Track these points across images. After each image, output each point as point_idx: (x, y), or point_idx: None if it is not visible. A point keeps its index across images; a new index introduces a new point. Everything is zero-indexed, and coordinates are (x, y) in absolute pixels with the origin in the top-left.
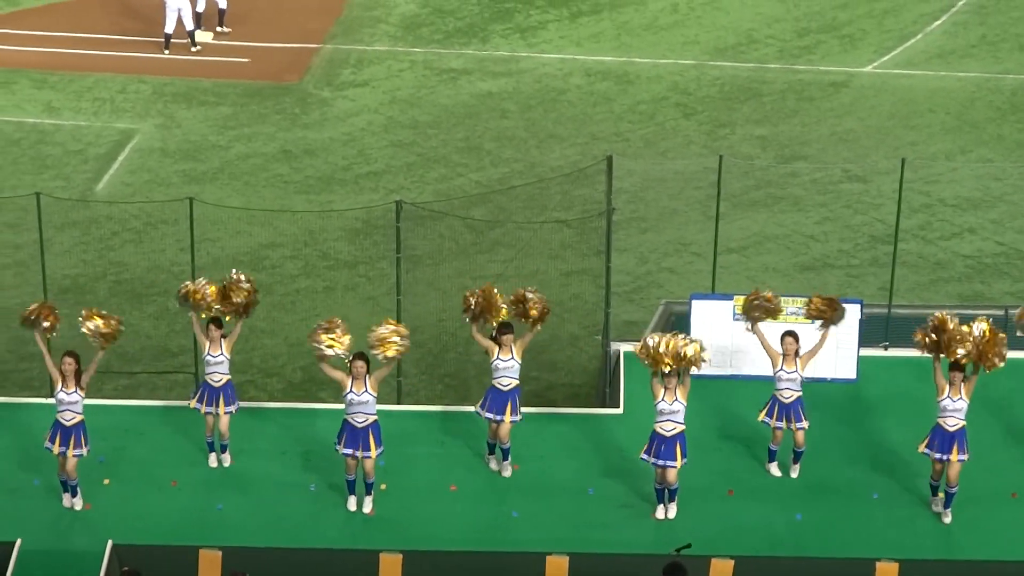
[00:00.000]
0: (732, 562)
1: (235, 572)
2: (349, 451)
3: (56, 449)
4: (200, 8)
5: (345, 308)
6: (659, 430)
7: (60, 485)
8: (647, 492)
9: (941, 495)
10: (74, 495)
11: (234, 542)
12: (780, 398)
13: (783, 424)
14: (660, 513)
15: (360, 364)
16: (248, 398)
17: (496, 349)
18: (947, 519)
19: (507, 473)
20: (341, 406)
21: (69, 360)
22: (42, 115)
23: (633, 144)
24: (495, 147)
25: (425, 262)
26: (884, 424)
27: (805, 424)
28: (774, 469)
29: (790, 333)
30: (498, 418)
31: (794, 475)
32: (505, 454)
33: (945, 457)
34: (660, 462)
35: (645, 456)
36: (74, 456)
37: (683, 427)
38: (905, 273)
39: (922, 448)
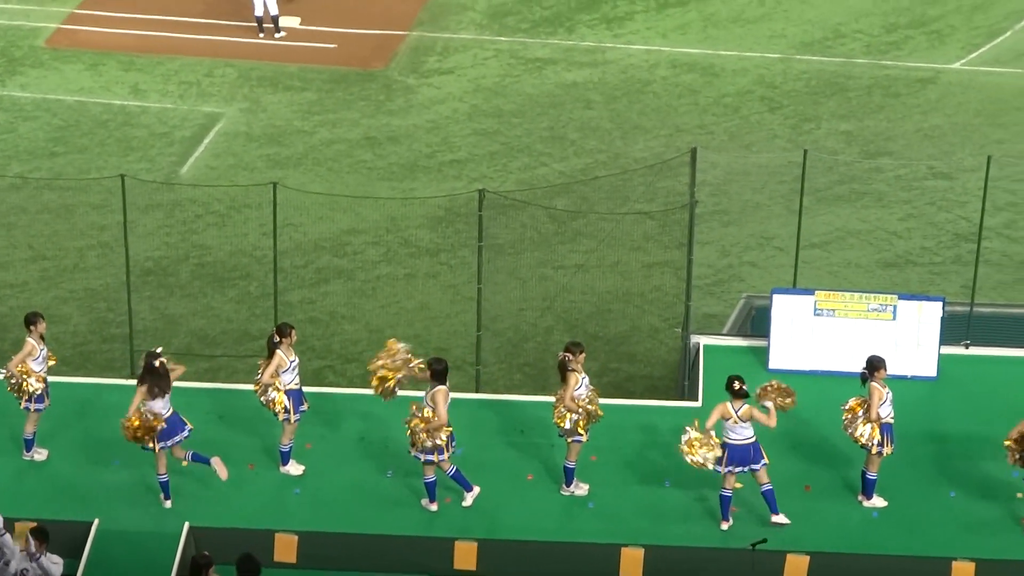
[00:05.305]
0: (807, 558)
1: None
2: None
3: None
4: None
5: (426, 296)
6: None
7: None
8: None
9: None
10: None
11: (310, 527)
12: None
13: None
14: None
15: None
16: (327, 383)
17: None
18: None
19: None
20: (420, 393)
21: None
22: (129, 97)
23: (717, 137)
24: (579, 137)
25: (507, 251)
26: (963, 423)
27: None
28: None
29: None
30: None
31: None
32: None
33: None
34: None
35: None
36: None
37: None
38: (988, 272)
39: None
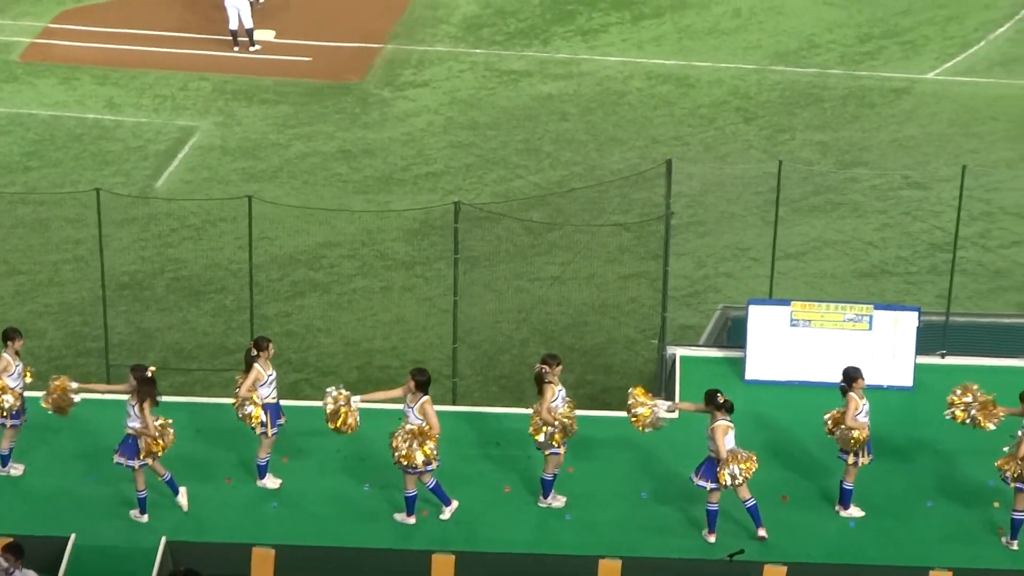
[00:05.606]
0: (785, 568)
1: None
2: None
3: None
4: None
5: (402, 308)
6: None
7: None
8: (700, 496)
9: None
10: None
11: (287, 540)
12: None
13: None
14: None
15: None
16: (303, 396)
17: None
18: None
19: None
20: (399, 407)
21: None
22: (103, 111)
23: (693, 148)
24: (554, 149)
25: (482, 263)
26: (939, 432)
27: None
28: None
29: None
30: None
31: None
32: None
33: None
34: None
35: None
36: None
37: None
38: (964, 281)
39: None
